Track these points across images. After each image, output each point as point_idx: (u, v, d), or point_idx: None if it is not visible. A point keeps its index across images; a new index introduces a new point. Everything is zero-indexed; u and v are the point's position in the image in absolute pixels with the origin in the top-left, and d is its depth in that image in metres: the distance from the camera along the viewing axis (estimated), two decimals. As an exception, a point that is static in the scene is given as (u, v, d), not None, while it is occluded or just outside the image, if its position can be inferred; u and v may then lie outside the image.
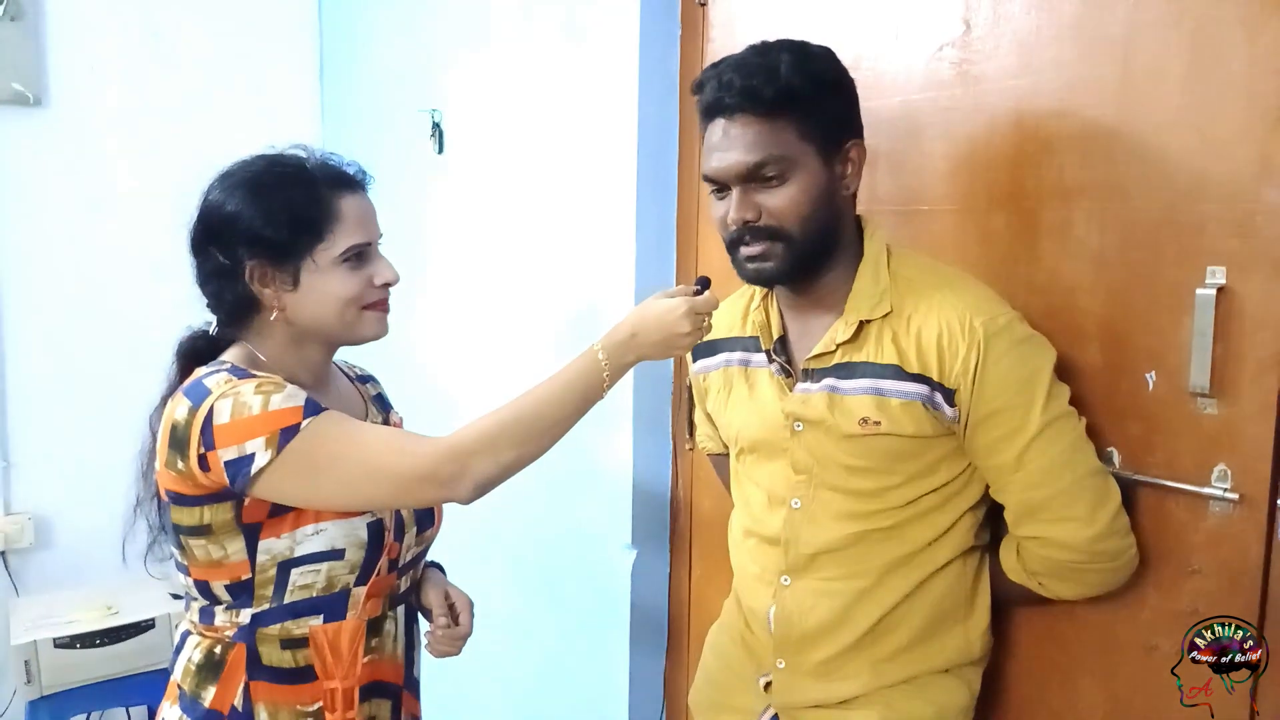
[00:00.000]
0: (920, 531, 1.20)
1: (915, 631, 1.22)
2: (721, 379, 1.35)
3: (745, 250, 1.17)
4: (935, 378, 1.14)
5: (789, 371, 1.26)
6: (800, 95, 1.12)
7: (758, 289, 1.30)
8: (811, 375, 1.22)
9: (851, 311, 1.19)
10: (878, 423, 1.16)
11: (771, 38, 1.18)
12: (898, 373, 1.16)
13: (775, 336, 1.27)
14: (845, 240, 1.21)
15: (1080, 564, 1.16)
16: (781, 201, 1.14)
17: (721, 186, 1.17)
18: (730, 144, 1.14)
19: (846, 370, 1.19)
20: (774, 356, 1.26)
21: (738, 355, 1.32)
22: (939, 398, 1.15)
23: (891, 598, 1.21)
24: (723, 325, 1.31)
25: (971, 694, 1.26)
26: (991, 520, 1.26)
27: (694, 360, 1.40)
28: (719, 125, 1.15)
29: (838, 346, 1.19)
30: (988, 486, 1.21)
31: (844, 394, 1.18)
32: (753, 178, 1.14)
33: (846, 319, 1.19)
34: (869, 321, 1.18)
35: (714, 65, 1.17)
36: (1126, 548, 1.16)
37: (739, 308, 1.34)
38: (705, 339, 1.24)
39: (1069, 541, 1.14)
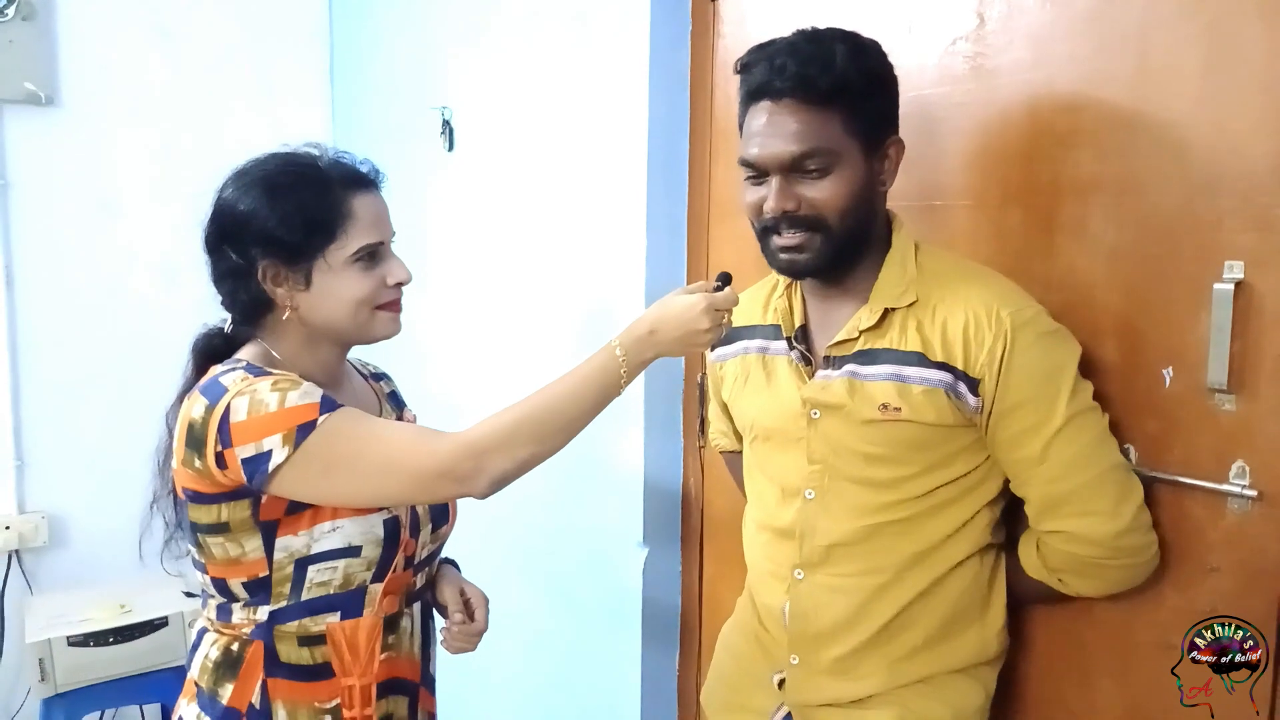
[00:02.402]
0: (936, 526, 1.20)
1: (931, 630, 1.21)
2: (739, 367, 1.34)
3: (779, 240, 1.16)
4: (960, 366, 1.14)
5: (809, 360, 1.25)
6: (852, 88, 1.11)
7: (782, 279, 1.29)
8: (832, 362, 1.21)
9: (876, 299, 1.18)
10: (898, 409, 1.15)
11: (779, 35, 1.16)
12: (921, 360, 1.15)
13: (797, 325, 1.27)
14: (876, 235, 1.21)
15: (1103, 559, 1.15)
16: (823, 194, 1.13)
17: (759, 173, 1.16)
18: (775, 131, 1.12)
19: (869, 357, 1.18)
20: (795, 344, 1.26)
21: (756, 343, 1.32)
22: (962, 387, 1.14)
23: (907, 595, 1.20)
24: (743, 314, 1.30)
25: (987, 694, 1.26)
26: (1007, 519, 1.25)
27: (711, 349, 1.38)
28: (764, 108, 1.13)
29: (861, 333, 1.18)
30: (1005, 483, 1.21)
31: (865, 379, 1.18)
32: (795, 168, 1.13)
33: (871, 306, 1.18)
34: (893, 310, 1.18)
35: (762, 46, 1.15)
36: (1149, 544, 1.15)
37: (760, 297, 1.34)
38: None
39: (1092, 536, 1.13)
